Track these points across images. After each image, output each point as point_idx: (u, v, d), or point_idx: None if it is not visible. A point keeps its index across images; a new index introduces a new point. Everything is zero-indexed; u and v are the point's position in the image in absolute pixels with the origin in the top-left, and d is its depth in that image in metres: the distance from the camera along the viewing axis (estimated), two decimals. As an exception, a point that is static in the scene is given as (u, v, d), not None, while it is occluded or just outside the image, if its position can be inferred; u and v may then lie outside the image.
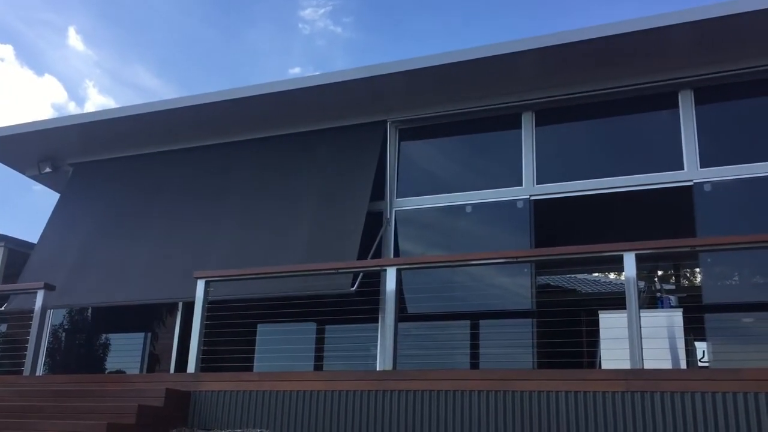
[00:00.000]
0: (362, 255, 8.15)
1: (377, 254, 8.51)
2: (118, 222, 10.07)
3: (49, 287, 8.52)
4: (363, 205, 8.47)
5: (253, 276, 7.94)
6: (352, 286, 7.70)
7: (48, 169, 10.95)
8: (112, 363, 10.02)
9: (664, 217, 9.48)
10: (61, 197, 10.96)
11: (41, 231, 10.48)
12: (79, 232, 10.17)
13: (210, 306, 7.49)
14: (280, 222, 8.92)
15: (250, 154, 9.82)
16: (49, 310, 9.15)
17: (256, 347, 8.63)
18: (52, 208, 10.77)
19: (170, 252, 9.34)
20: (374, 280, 7.55)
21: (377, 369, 7.30)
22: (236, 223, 9.22)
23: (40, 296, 8.39)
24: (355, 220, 8.36)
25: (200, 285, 7.58)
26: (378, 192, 8.83)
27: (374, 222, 8.74)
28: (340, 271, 7.44)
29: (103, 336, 10.29)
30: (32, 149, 10.75)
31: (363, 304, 7.82)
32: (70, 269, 9.74)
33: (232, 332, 7.61)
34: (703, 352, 7.46)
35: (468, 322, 8.11)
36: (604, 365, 6.68)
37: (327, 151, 9.34)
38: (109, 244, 9.86)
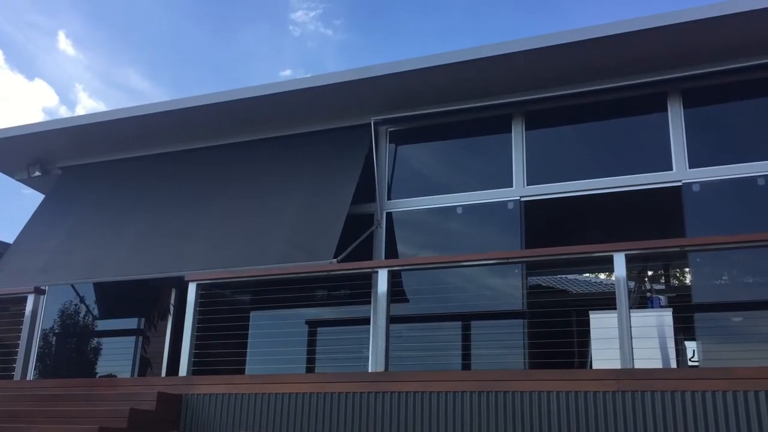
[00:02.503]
0: (340, 253, 8.13)
1: (360, 253, 8.52)
2: (103, 217, 10.07)
3: (39, 291, 8.50)
4: (345, 203, 8.44)
5: (245, 278, 7.94)
6: (335, 257, 7.73)
7: (37, 173, 10.91)
8: (103, 367, 9.99)
9: (654, 217, 9.54)
10: (46, 197, 10.94)
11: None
12: (62, 227, 10.17)
13: (201, 309, 7.49)
14: (262, 218, 8.94)
15: (238, 157, 9.82)
16: (40, 314, 9.12)
17: (248, 350, 8.61)
18: (41, 212, 10.74)
19: (153, 241, 9.38)
20: (366, 281, 7.55)
21: (369, 371, 7.30)
22: (218, 218, 9.22)
23: (30, 301, 8.37)
24: (335, 218, 8.34)
25: (192, 288, 7.58)
26: (369, 194, 8.84)
27: (363, 223, 8.74)
28: (331, 273, 7.45)
29: (95, 340, 10.25)
30: (22, 153, 10.70)
31: (355, 305, 7.84)
32: (50, 255, 9.77)
33: (223, 335, 7.60)
34: (693, 351, 7.51)
35: (459, 323, 8.13)
36: (595, 365, 6.71)
37: (314, 153, 9.36)
38: (92, 234, 9.89)
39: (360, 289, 7.56)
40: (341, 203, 8.48)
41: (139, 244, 9.39)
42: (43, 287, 8.64)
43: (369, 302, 7.64)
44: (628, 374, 5.72)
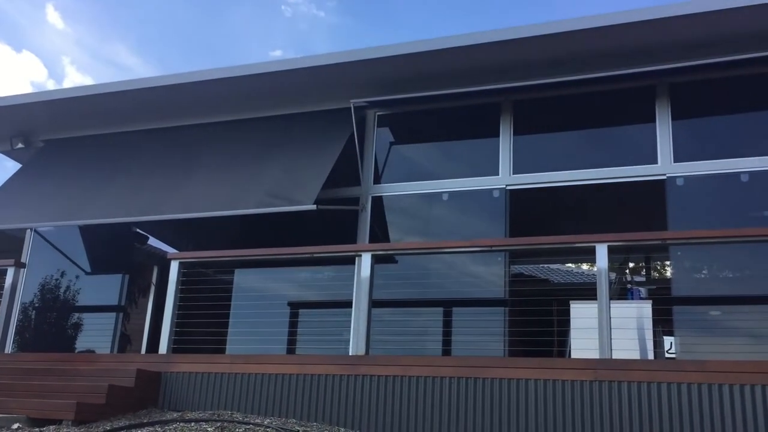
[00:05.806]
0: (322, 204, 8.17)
1: (344, 237, 8.53)
2: (80, 181, 10.00)
3: (19, 264, 8.43)
4: (327, 164, 8.43)
5: (229, 258, 7.93)
6: (314, 203, 7.80)
7: (20, 145, 10.81)
8: (82, 342, 9.94)
9: (637, 210, 9.60)
10: (23, 166, 10.84)
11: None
12: (38, 188, 10.12)
13: (182, 288, 7.47)
14: (242, 180, 8.94)
15: (222, 136, 9.77)
16: (20, 287, 9.06)
17: (229, 330, 8.60)
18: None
19: (130, 195, 9.42)
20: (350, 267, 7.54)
21: (350, 353, 7.33)
22: (196, 183, 9.21)
23: (10, 274, 8.31)
24: (316, 175, 8.34)
25: (174, 266, 7.57)
26: (355, 178, 8.83)
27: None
28: (315, 255, 7.45)
29: (75, 315, 10.20)
30: (4, 124, 10.58)
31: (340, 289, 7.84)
32: (26, 205, 9.81)
33: (204, 314, 7.59)
34: (671, 343, 7.60)
35: (441, 309, 8.16)
36: (574, 354, 6.77)
37: (298, 132, 9.33)
38: (69, 193, 9.84)
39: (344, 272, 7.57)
40: (323, 164, 8.48)
41: (118, 195, 9.40)
42: (23, 260, 8.58)
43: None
44: (605, 364, 5.79)
